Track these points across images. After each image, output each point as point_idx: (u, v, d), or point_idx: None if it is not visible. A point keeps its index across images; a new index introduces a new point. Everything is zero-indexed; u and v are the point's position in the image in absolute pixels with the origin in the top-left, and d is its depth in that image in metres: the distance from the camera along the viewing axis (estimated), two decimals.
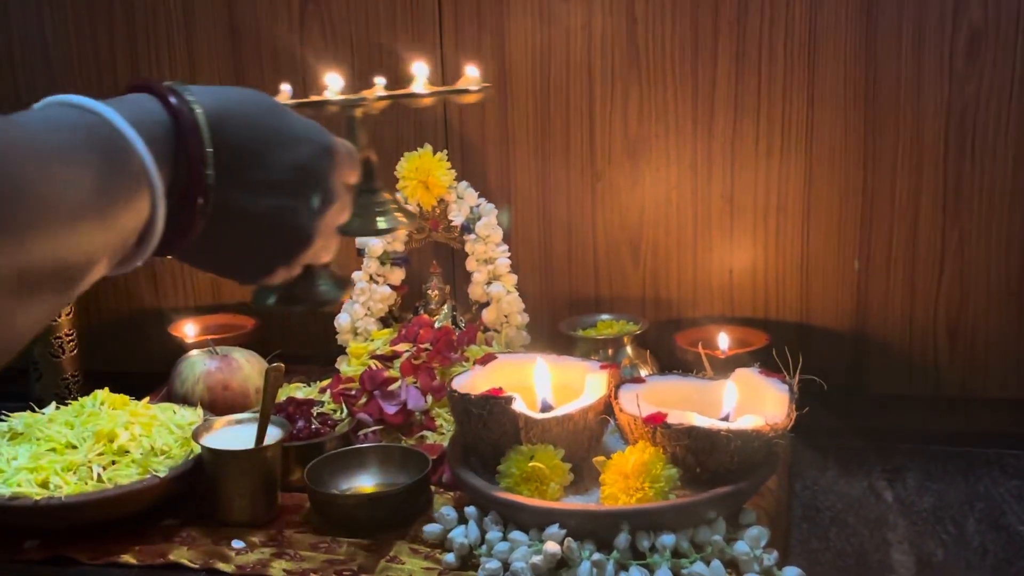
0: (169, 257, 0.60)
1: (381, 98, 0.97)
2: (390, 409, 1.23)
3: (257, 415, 1.13)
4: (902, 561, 1.13)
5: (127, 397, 1.24)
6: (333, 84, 1.09)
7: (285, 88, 1.20)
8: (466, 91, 1.06)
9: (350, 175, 0.67)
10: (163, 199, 0.54)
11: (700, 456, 1.01)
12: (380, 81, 1.12)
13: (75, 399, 1.26)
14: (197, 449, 1.12)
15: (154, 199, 0.53)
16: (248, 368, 1.33)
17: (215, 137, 0.57)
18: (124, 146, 0.52)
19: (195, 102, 0.57)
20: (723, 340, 1.36)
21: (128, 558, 1.04)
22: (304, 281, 0.70)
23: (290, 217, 0.62)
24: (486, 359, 1.18)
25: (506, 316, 1.41)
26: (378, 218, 0.93)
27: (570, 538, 0.96)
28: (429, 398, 1.25)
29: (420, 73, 1.08)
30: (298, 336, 1.60)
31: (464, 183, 1.44)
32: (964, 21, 1.33)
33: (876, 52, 1.36)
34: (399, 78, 1.51)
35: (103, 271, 0.52)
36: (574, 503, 1.03)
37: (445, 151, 1.44)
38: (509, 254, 1.43)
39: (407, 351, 1.30)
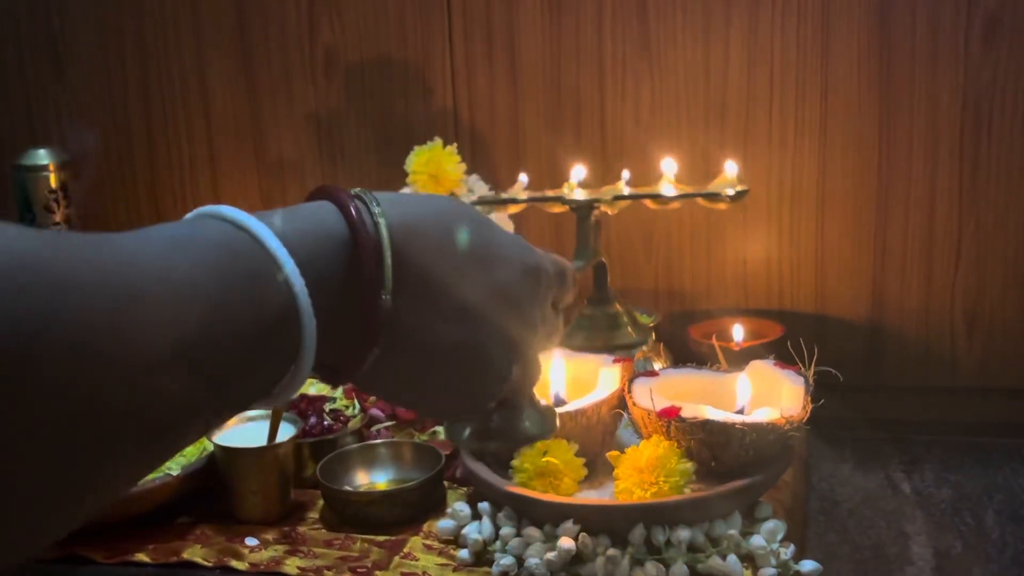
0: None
1: (619, 198, 0.83)
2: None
3: (269, 412, 1.13)
4: (920, 554, 1.12)
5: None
6: (575, 176, 0.94)
7: (523, 179, 1.08)
8: (718, 195, 0.90)
9: (560, 298, 0.60)
10: (313, 326, 0.46)
11: (715, 450, 1.00)
12: (625, 175, 0.99)
13: None
14: (210, 447, 1.12)
15: (301, 327, 0.45)
16: None
17: (400, 256, 0.50)
18: (270, 271, 0.44)
19: (380, 213, 0.50)
20: (737, 332, 1.35)
21: (142, 556, 1.03)
22: (504, 415, 0.61)
23: (484, 350, 0.54)
24: None
25: None
26: (616, 332, 0.78)
27: (584, 533, 0.95)
28: None
29: (668, 170, 0.95)
30: None
31: (474, 176, 1.43)
32: (979, 7, 1.31)
33: (890, 39, 1.35)
34: (409, 75, 1.50)
35: (244, 409, 0.46)
36: (588, 498, 1.02)
37: (455, 144, 1.44)
38: None
39: None
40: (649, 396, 1.04)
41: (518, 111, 1.48)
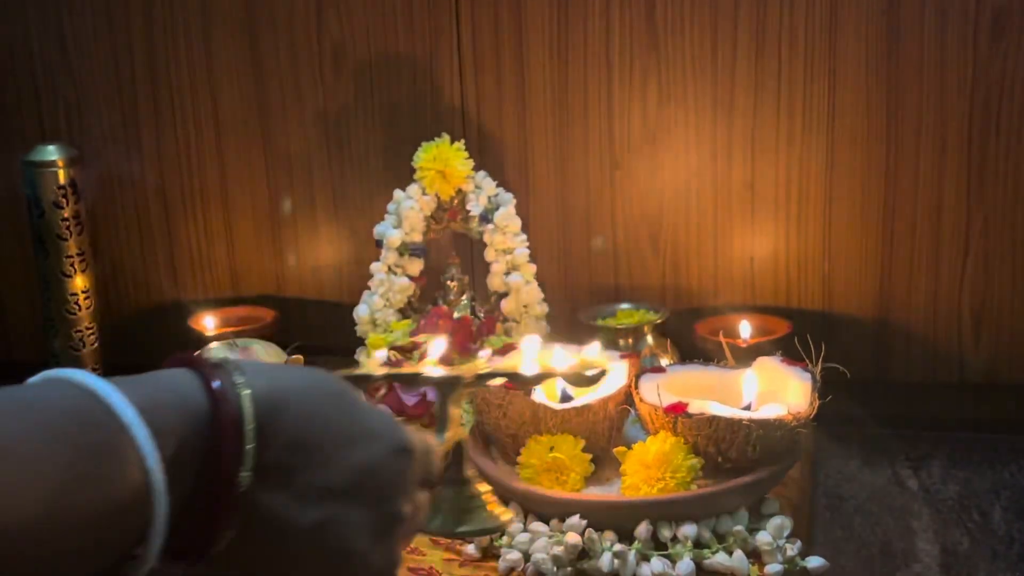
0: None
1: (482, 376, 0.80)
2: (410, 400, 1.23)
3: None
4: (927, 550, 1.11)
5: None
6: (434, 351, 0.92)
7: (379, 355, 1.07)
8: (581, 376, 0.87)
9: (427, 479, 0.57)
10: (165, 502, 0.43)
11: (722, 446, 1.00)
12: (483, 353, 0.99)
13: None
14: None
15: (152, 502, 0.43)
16: (267, 361, 1.33)
17: (262, 432, 0.47)
18: (120, 440, 0.42)
19: (244, 384, 0.47)
20: (745, 328, 1.35)
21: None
22: None
23: (343, 534, 0.50)
24: (506, 350, 1.18)
25: (525, 306, 1.40)
26: (466, 517, 0.76)
27: (591, 529, 0.95)
28: None
29: (529, 348, 0.91)
30: (317, 328, 1.60)
31: (482, 172, 1.44)
32: (988, 2, 1.31)
33: (898, 33, 1.34)
34: (417, 70, 1.50)
35: None
36: (595, 494, 1.02)
37: (463, 140, 1.44)
38: (528, 244, 1.42)
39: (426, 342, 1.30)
40: (656, 392, 1.04)
41: (526, 107, 1.48)
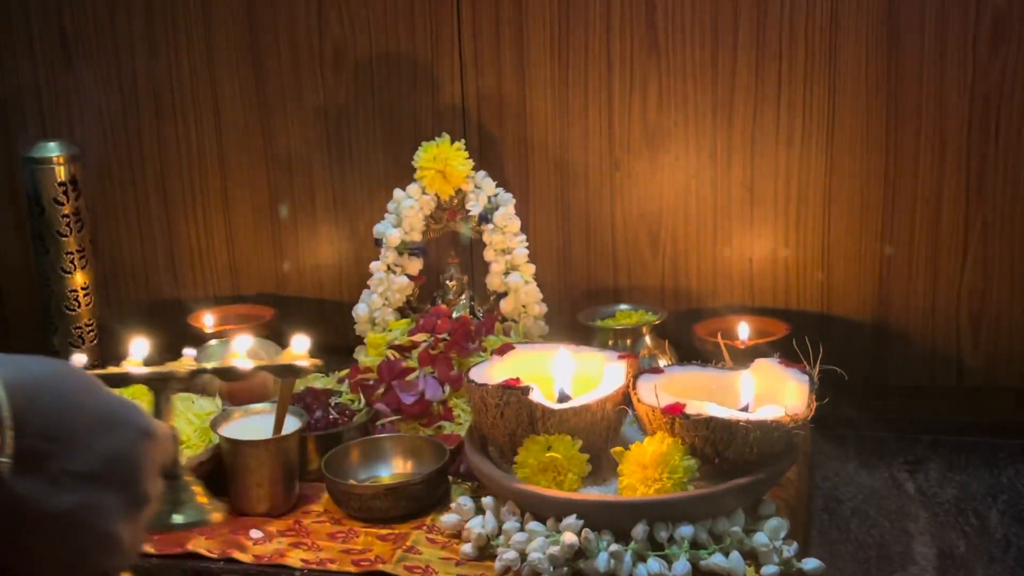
0: None
1: (195, 373, 0.89)
2: (408, 399, 1.23)
3: (275, 405, 1.13)
4: (923, 553, 1.12)
5: (146, 387, 1.24)
6: (137, 352, 1.00)
7: (78, 359, 1.12)
8: (292, 367, 0.99)
9: (167, 463, 0.59)
10: None
11: (719, 447, 1.00)
12: (189, 352, 1.07)
13: None
14: (215, 439, 1.13)
15: None
16: (267, 358, 1.33)
17: (16, 417, 0.49)
18: None
19: None
20: (743, 330, 1.35)
21: (147, 547, 1.04)
22: None
23: (97, 517, 0.52)
24: (504, 349, 1.18)
25: (524, 306, 1.41)
26: (175, 513, 0.80)
27: (588, 529, 0.95)
28: (447, 388, 1.25)
29: (241, 347, 1.04)
30: (316, 326, 1.60)
31: (482, 172, 1.44)
32: (988, 7, 1.31)
33: (898, 37, 1.35)
34: (417, 70, 1.51)
35: None
36: (592, 494, 1.02)
37: (463, 140, 1.44)
38: (527, 244, 1.42)
39: (425, 341, 1.30)
40: (654, 393, 1.04)
41: (526, 108, 1.48)
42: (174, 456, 0.63)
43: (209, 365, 0.98)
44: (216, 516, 0.80)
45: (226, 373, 0.93)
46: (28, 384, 0.51)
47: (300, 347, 1.06)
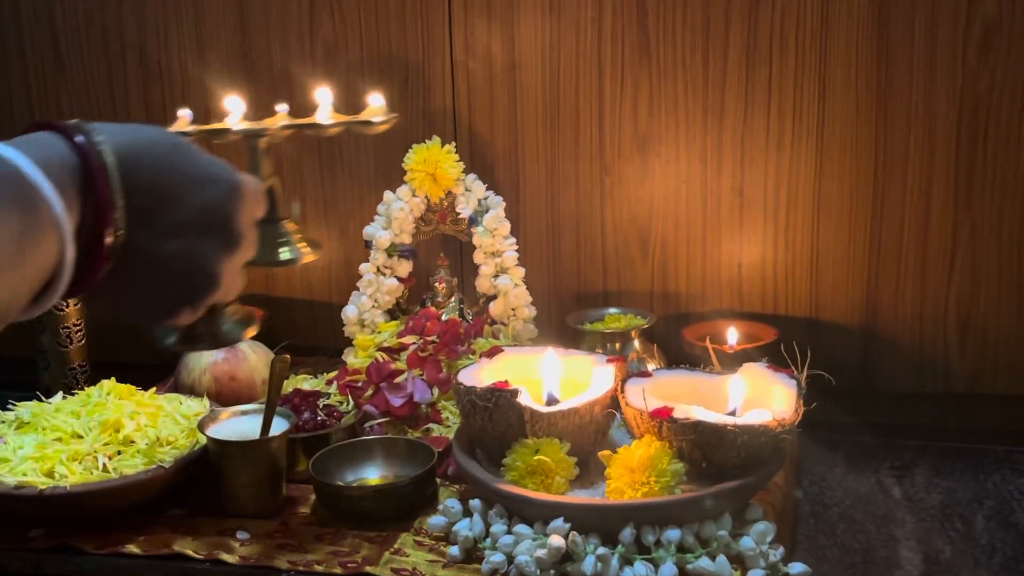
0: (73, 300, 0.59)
1: (285, 127, 0.96)
2: (396, 401, 1.23)
3: (263, 406, 1.13)
4: (909, 558, 1.12)
5: (133, 387, 1.24)
6: (235, 110, 1.06)
7: (184, 113, 1.19)
8: (370, 123, 1.05)
9: (257, 212, 0.66)
10: (72, 244, 0.53)
11: (706, 451, 1.00)
12: (282, 108, 1.10)
13: (82, 389, 1.27)
14: (203, 440, 1.12)
15: (63, 245, 0.53)
16: (254, 359, 1.33)
17: (124, 179, 0.57)
18: (35, 195, 0.52)
19: (103, 142, 0.56)
20: (732, 335, 1.35)
21: (133, 548, 1.04)
22: (207, 320, 0.69)
23: (198, 259, 0.61)
24: (492, 352, 1.18)
25: (513, 309, 1.41)
26: (280, 249, 0.92)
27: (575, 532, 0.95)
28: (435, 391, 1.25)
29: (324, 100, 1.06)
30: (305, 328, 1.60)
31: (472, 175, 1.44)
32: (978, 13, 1.32)
33: (888, 44, 1.35)
34: (410, 72, 1.51)
35: (15, 316, 0.52)
36: (579, 497, 1.02)
37: (454, 143, 1.44)
38: (517, 247, 1.42)
39: (414, 343, 1.30)
40: (642, 396, 1.04)
41: (517, 111, 1.48)
42: (271, 204, 0.68)
43: (298, 121, 1.05)
44: (308, 257, 0.93)
45: (313, 128, 1.01)
46: (134, 150, 0.58)
47: (376, 102, 1.11)
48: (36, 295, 0.54)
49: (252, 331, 0.72)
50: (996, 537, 1.15)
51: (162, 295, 0.61)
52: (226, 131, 0.94)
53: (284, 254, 0.92)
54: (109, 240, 0.56)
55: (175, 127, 1.11)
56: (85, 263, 0.56)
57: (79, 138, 0.56)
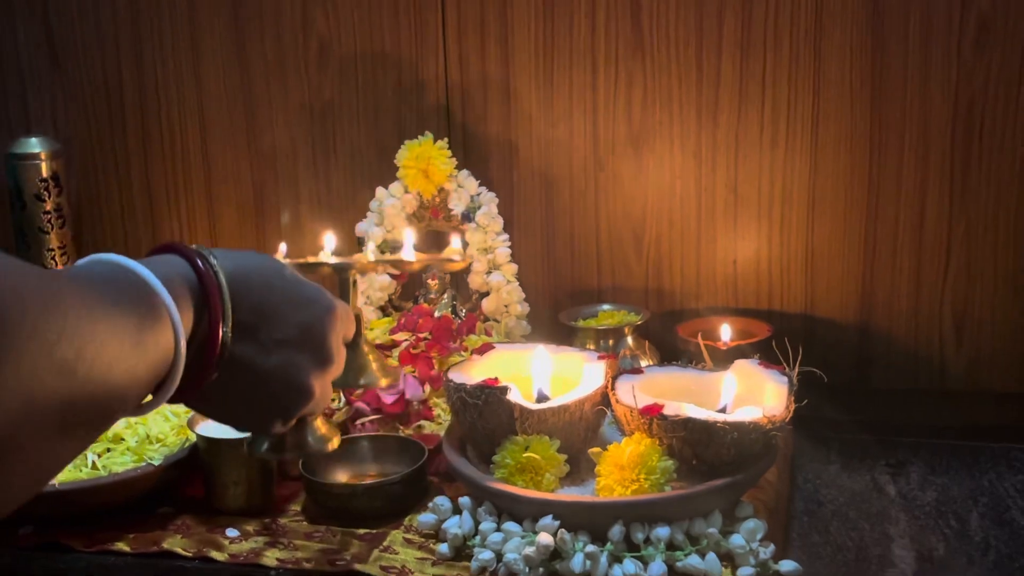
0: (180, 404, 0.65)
1: (372, 263, 1.08)
2: (388, 398, 1.22)
3: None
4: (902, 556, 1.11)
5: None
6: (328, 246, 1.21)
7: (281, 248, 1.33)
8: (451, 260, 1.16)
9: (348, 334, 0.72)
10: (184, 351, 0.58)
11: (697, 448, 1.00)
12: (370, 246, 1.24)
13: None
14: (192, 437, 1.12)
15: (177, 350, 0.58)
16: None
17: (234, 297, 0.63)
18: (156, 301, 0.57)
19: (218, 265, 0.63)
20: (726, 331, 1.35)
21: (122, 546, 1.03)
22: (295, 431, 0.75)
23: (294, 373, 0.67)
24: (483, 349, 1.18)
25: (506, 306, 1.40)
26: (361, 375, 0.98)
27: (564, 529, 0.95)
28: (427, 388, 1.24)
29: (408, 240, 1.18)
30: None
31: (465, 171, 1.43)
32: (973, 10, 1.31)
33: (883, 40, 1.34)
34: (403, 68, 1.50)
35: (129, 412, 0.57)
36: (569, 494, 1.02)
37: (446, 139, 1.43)
38: (509, 244, 1.42)
39: (406, 340, 1.29)
40: (632, 393, 1.04)
41: (510, 107, 1.48)
42: (356, 329, 0.78)
43: (385, 257, 1.20)
44: (384, 382, 1.00)
45: (398, 264, 1.10)
46: (242, 272, 0.64)
47: (456, 245, 1.27)
48: (149, 391, 0.58)
49: (335, 444, 0.78)
50: (990, 534, 1.14)
51: (260, 404, 0.68)
52: (320, 264, 1.05)
53: (362, 380, 0.98)
54: (218, 350, 0.62)
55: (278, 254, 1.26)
56: (195, 369, 0.61)
57: (199, 262, 0.62)
